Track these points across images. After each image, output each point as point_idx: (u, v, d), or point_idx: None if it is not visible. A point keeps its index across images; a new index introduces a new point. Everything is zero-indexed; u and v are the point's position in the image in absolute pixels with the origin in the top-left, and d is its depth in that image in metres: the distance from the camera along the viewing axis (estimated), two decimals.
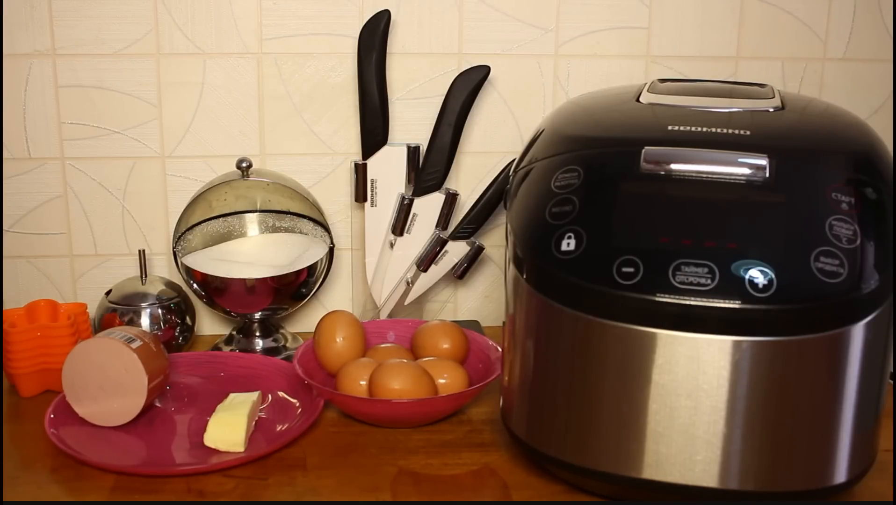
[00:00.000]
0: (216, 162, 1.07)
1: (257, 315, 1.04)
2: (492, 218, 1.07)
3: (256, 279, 0.98)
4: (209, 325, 1.11)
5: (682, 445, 0.71)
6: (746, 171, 0.73)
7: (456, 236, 1.07)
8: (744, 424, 0.70)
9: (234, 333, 1.06)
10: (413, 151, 1.06)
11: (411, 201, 1.05)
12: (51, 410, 0.87)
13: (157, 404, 0.92)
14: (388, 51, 1.03)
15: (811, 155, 0.76)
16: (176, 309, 1.02)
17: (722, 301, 0.68)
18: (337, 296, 1.13)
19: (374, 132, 1.04)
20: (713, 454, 0.71)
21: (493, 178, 1.06)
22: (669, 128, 0.77)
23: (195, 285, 1.01)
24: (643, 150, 0.74)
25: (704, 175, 0.73)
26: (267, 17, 1.04)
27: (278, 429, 0.88)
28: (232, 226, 1.02)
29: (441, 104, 1.04)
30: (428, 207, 1.06)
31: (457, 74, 1.03)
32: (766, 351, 0.69)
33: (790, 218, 0.71)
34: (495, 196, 1.05)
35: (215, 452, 0.83)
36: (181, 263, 1.01)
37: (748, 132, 0.76)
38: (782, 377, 0.69)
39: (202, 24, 1.04)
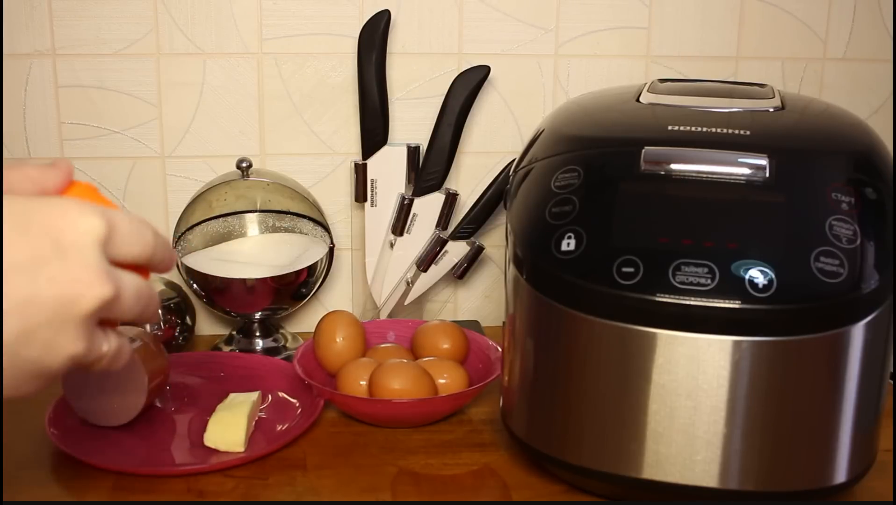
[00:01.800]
0: (216, 162, 1.07)
1: (257, 315, 1.04)
2: (492, 218, 1.07)
3: (256, 279, 0.98)
4: (209, 325, 1.11)
5: (682, 445, 0.71)
6: (746, 171, 0.73)
7: (456, 236, 1.07)
8: (744, 424, 0.70)
9: (234, 333, 1.06)
10: (413, 151, 1.06)
11: (411, 201, 1.05)
12: (51, 410, 0.87)
13: (157, 404, 0.92)
14: (388, 51, 1.03)
15: (811, 155, 0.76)
16: (176, 309, 1.02)
17: (722, 301, 0.68)
18: (337, 296, 1.13)
19: (374, 132, 1.04)
20: (713, 454, 0.71)
21: (493, 178, 1.06)
22: (669, 128, 0.77)
23: (195, 285, 1.01)
24: (643, 150, 0.74)
25: (704, 175, 0.73)
26: (267, 17, 1.04)
27: (278, 429, 0.88)
28: (232, 226, 1.02)
29: (441, 104, 1.04)
30: (428, 207, 1.06)
31: (457, 74, 1.04)
32: (766, 351, 0.69)
33: (790, 218, 0.71)
34: (495, 196, 1.05)
35: (215, 452, 0.83)
36: (181, 263, 1.01)
37: (748, 132, 0.76)
38: (782, 377, 0.69)
39: (202, 24, 1.04)
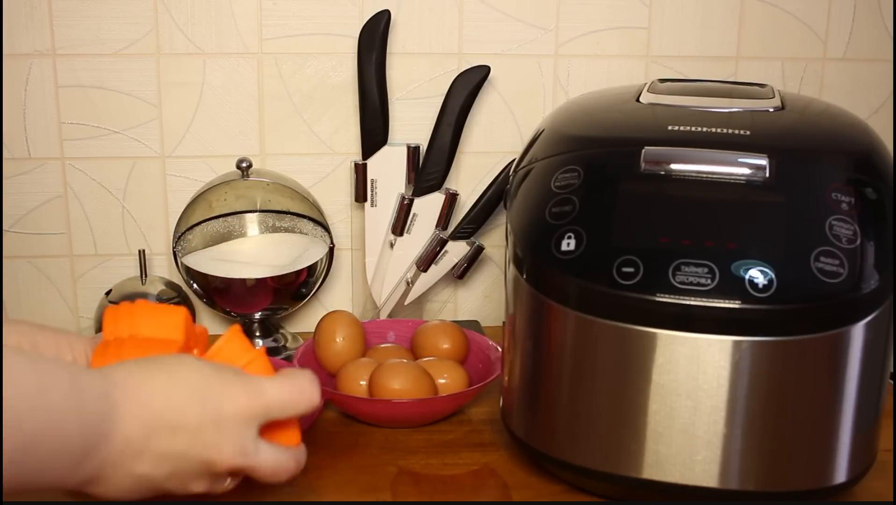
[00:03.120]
0: (216, 162, 1.07)
1: (257, 315, 1.04)
2: (492, 218, 1.07)
3: (256, 279, 0.98)
4: (209, 325, 1.11)
5: (682, 445, 0.71)
6: (746, 171, 0.73)
7: (456, 236, 1.07)
8: (744, 424, 0.70)
9: None
10: (413, 151, 1.06)
11: (411, 201, 1.05)
12: None
13: None
14: (388, 51, 1.03)
15: (811, 155, 0.76)
16: None
17: (722, 301, 0.68)
18: (337, 296, 1.13)
19: (374, 132, 1.04)
20: (713, 454, 0.71)
21: (493, 178, 1.06)
22: (669, 128, 0.77)
23: (195, 285, 1.01)
24: (643, 150, 0.74)
25: (704, 175, 0.73)
26: (267, 17, 1.04)
27: None
28: (232, 226, 1.02)
29: (441, 104, 1.04)
30: (428, 207, 1.06)
31: (457, 74, 1.04)
32: (766, 351, 0.69)
33: (790, 218, 0.71)
34: (495, 196, 1.05)
35: None
36: (181, 263, 1.01)
37: (748, 132, 0.76)
38: (782, 377, 0.69)
39: (202, 24, 1.04)
